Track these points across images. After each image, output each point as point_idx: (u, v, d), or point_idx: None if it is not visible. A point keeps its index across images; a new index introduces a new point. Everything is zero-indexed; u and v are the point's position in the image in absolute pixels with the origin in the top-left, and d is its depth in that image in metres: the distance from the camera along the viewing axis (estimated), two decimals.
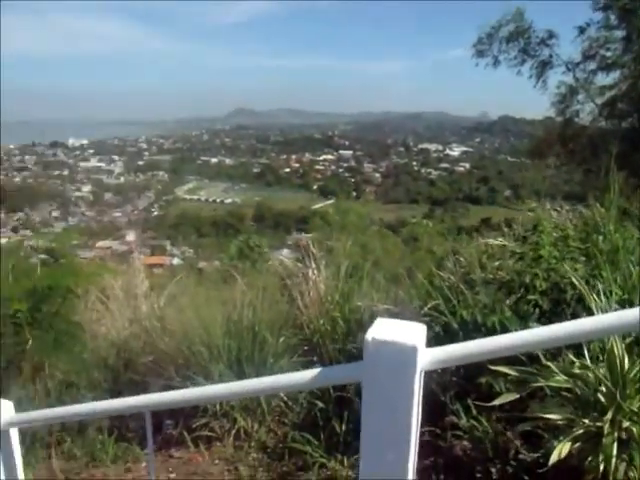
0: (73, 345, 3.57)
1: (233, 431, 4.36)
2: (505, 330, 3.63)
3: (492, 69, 17.26)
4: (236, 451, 4.32)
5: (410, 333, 1.54)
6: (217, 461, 4.31)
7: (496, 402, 3.23)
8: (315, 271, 5.21)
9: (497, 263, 4.45)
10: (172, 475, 4.35)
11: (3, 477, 2.75)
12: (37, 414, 2.66)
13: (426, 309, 4.09)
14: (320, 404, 4.22)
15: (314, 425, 4.17)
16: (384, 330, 1.55)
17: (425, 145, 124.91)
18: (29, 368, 3.55)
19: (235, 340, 4.61)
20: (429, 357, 1.56)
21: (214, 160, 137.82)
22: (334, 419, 4.05)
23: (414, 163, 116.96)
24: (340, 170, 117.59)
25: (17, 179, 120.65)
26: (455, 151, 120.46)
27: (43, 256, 5.58)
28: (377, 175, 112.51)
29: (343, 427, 3.95)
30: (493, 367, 3.19)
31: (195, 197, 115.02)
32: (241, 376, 4.46)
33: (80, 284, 3.90)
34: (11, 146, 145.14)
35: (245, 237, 15.44)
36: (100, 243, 62.59)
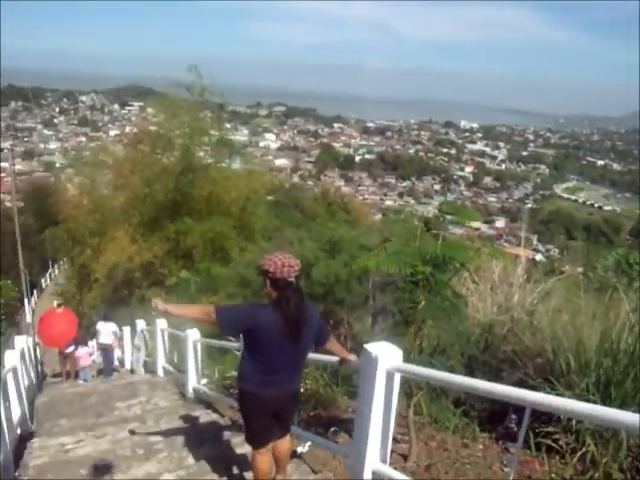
0: (453, 315, 3.76)
1: (579, 452, 4.01)
2: None
3: None
4: (577, 475, 3.99)
5: None
6: (554, 475, 4.06)
7: None
8: None
9: None
10: (506, 469, 4.29)
11: (379, 408, 3.17)
12: (420, 370, 2.94)
13: None
14: None
15: None
16: None
17: None
18: (415, 325, 3.88)
19: (609, 360, 4.22)
20: None
21: (600, 162, 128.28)
22: None
23: None
24: None
25: (411, 151, 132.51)
26: None
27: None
28: None
29: None
30: None
31: (572, 197, 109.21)
32: (605, 399, 4.10)
33: (468, 260, 4.04)
34: (412, 121, 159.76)
35: (625, 251, 13.94)
36: (470, 223, 64.56)
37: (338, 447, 4.41)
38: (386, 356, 3.13)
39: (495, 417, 4.93)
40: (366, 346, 3.22)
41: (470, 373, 5.11)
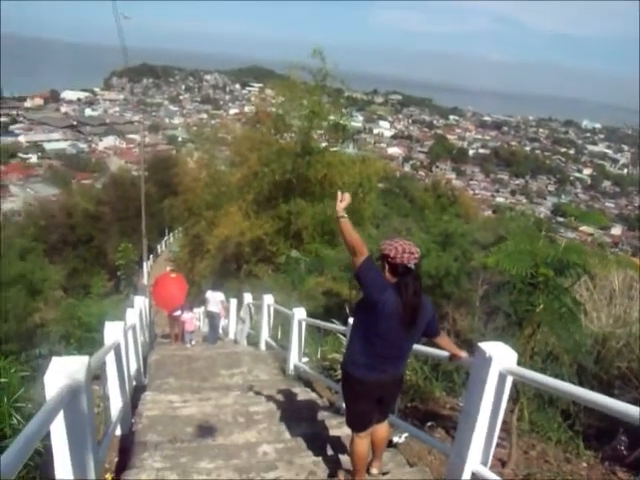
0: (571, 323, 3.59)
1: None
2: None
3: None
4: None
5: None
6: None
7: None
8: None
9: None
10: None
11: (487, 409, 3.11)
12: (536, 376, 2.83)
13: None
14: None
15: None
16: None
17: None
18: (529, 328, 3.76)
19: None
20: None
21: None
22: None
23: None
24: None
25: (527, 148, 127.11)
26: None
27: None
28: None
29: None
30: None
31: None
32: None
33: (592, 267, 3.85)
34: (530, 117, 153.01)
35: None
36: (583, 227, 60.89)
37: (439, 443, 4.34)
38: (500, 357, 3.06)
39: (603, 435, 4.68)
40: (480, 345, 3.16)
41: (579, 385, 4.88)
